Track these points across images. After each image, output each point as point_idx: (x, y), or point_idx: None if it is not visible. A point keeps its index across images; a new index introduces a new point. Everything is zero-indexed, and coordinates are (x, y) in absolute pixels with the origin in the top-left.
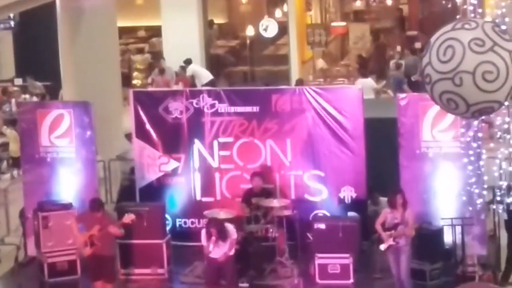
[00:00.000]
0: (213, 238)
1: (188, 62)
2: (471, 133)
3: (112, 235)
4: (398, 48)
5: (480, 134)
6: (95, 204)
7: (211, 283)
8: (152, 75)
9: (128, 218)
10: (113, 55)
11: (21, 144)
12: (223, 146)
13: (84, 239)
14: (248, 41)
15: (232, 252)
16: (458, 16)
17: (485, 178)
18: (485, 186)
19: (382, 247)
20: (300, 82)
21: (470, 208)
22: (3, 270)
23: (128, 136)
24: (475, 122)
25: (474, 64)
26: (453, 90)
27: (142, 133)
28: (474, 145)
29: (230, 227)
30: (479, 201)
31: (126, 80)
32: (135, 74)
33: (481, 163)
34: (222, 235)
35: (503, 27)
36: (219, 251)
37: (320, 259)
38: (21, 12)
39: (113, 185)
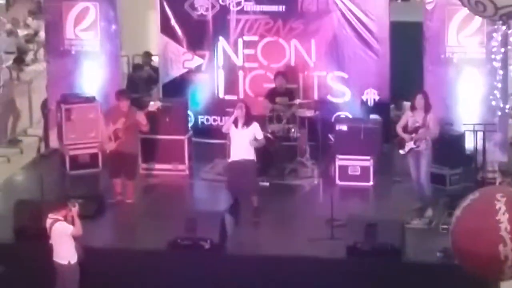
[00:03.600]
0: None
1: None
2: (499, 38)
3: (137, 128)
4: None
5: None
6: (122, 93)
7: (232, 182)
8: None
9: (154, 105)
10: None
11: (46, 36)
12: (247, 44)
13: (109, 133)
14: None
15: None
16: None
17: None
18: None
19: (403, 151)
20: None
21: (493, 115)
22: (25, 160)
23: None
24: (503, 27)
25: None
26: None
27: (167, 29)
28: (502, 50)
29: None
30: (505, 106)
31: None
32: None
33: (511, 68)
34: (249, 119)
35: None
36: (240, 152)
37: (341, 160)
38: None
39: None
